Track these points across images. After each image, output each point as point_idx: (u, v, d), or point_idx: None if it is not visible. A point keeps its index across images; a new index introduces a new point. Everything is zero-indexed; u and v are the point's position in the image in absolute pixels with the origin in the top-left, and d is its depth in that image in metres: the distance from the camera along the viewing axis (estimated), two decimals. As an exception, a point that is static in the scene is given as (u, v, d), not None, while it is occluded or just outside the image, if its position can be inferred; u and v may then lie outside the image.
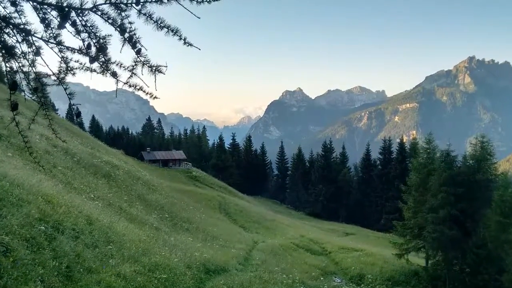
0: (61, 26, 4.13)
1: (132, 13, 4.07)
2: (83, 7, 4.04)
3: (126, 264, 10.79)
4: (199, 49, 4.36)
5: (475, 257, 30.09)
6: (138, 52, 4.24)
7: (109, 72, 4.36)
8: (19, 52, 4.34)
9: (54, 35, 4.27)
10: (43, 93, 4.75)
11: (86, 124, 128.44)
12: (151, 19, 4.04)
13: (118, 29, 4.15)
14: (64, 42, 4.32)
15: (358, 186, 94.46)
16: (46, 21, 4.19)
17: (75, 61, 4.42)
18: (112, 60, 4.34)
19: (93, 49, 4.28)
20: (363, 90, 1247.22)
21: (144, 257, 12.30)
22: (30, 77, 4.61)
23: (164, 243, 17.48)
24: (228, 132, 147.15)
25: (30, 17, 4.22)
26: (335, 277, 29.68)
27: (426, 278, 32.57)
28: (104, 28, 4.23)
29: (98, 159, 32.61)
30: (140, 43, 4.21)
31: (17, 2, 4.15)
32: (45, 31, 4.25)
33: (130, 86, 4.42)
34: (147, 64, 4.27)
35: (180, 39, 4.13)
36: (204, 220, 37.22)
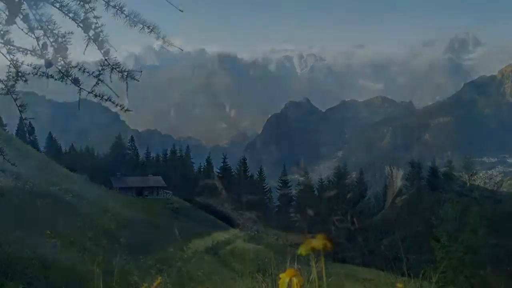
0: (10, 21, 4.11)
1: (99, 5, 4.06)
2: (38, -3, 4.04)
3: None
4: (182, 50, 4.37)
5: (526, 309, 29.94)
6: (106, 54, 4.21)
7: (70, 78, 4.32)
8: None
9: (1, 32, 4.25)
10: (-13, 105, 4.73)
11: (41, 143, 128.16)
12: (122, 12, 4.02)
13: (81, 25, 4.13)
14: (13, 41, 4.29)
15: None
16: (-8, 16, 4.17)
17: (28, 65, 4.38)
18: (74, 64, 4.31)
19: (50, 50, 4.25)
20: (386, 100, 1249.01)
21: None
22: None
23: (137, 291, 17.34)
24: (218, 153, 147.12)
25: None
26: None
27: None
28: (64, 24, 4.21)
29: (56, 187, 32.52)
30: (108, 43, 4.19)
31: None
32: (-10, 28, 4.23)
33: (96, 95, 4.36)
34: (117, 69, 4.24)
35: (159, 37, 4.12)
36: (187, 262, 37.00)
